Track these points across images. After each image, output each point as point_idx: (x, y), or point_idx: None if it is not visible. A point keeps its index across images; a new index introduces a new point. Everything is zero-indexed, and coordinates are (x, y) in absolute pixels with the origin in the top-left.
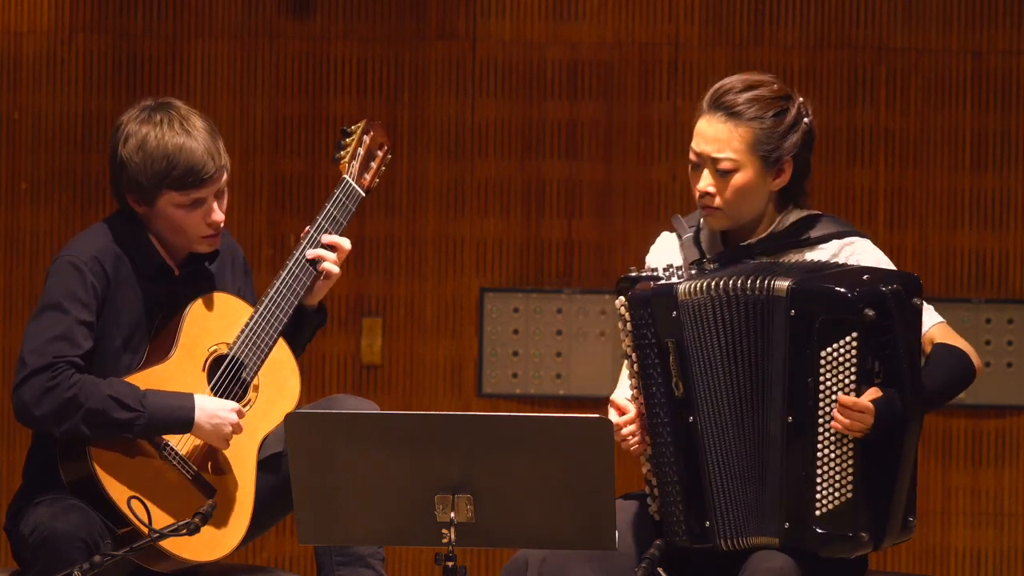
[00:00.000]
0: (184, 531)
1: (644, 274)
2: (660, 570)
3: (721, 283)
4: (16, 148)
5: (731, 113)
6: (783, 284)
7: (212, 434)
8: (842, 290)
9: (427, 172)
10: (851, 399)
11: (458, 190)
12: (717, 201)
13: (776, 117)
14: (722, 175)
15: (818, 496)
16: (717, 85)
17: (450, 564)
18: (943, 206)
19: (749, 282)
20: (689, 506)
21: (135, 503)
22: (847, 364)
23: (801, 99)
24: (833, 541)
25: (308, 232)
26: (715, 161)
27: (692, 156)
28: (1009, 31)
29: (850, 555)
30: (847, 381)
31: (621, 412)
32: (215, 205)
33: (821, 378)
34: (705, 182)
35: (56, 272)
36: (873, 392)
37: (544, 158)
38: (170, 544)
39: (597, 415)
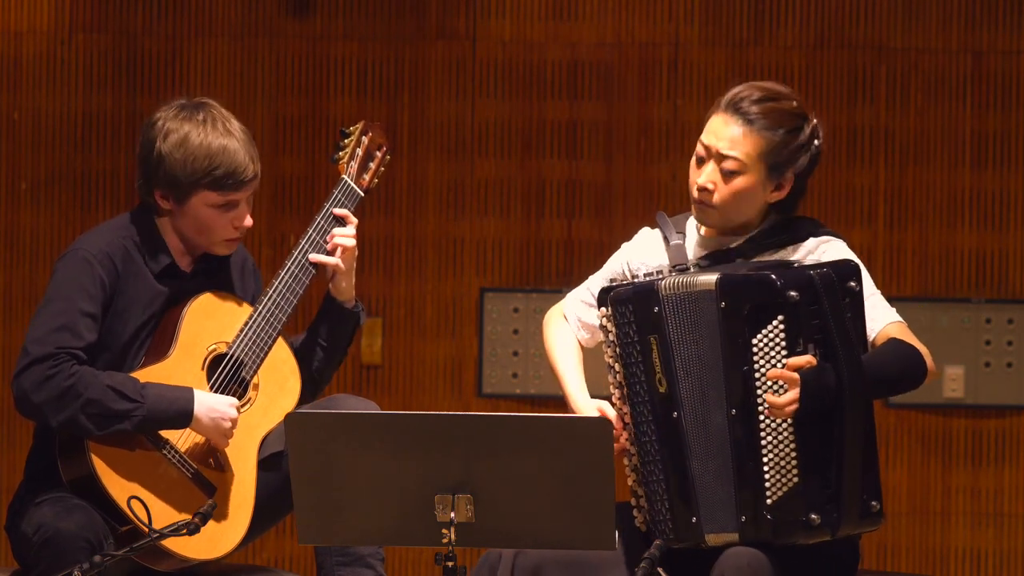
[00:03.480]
0: (184, 531)
1: (624, 282)
2: (660, 570)
3: (688, 279)
4: (16, 148)
5: (748, 119)
6: (711, 278)
7: (211, 429)
8: (767, 276)
9: (427, 172)
10: (775, 371)
11: (458, 190)
12: (715, 198)
13: (790, 133)
14: (725, 175)
15: (767, 485)
16: (738, 89)
17: (450, 564)
18: (943, 206)
19: (686, 279)
20: (675, 503)
21: (135, 502)
22: (777, 348)
23: (815, 121)
24: (785, 528)
25: (307, 233)
26: (721, 158)
27: (700, 149)
28: (1009, 31)
29: (805, 541)
30: (779, 366)
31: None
32: (246, 211)
33: (755, 366)
34: (706, 177)
35: (65, 264)
36: (801, 360)
37: (544, 158)
38: (170, 542)
39: (597, 415)
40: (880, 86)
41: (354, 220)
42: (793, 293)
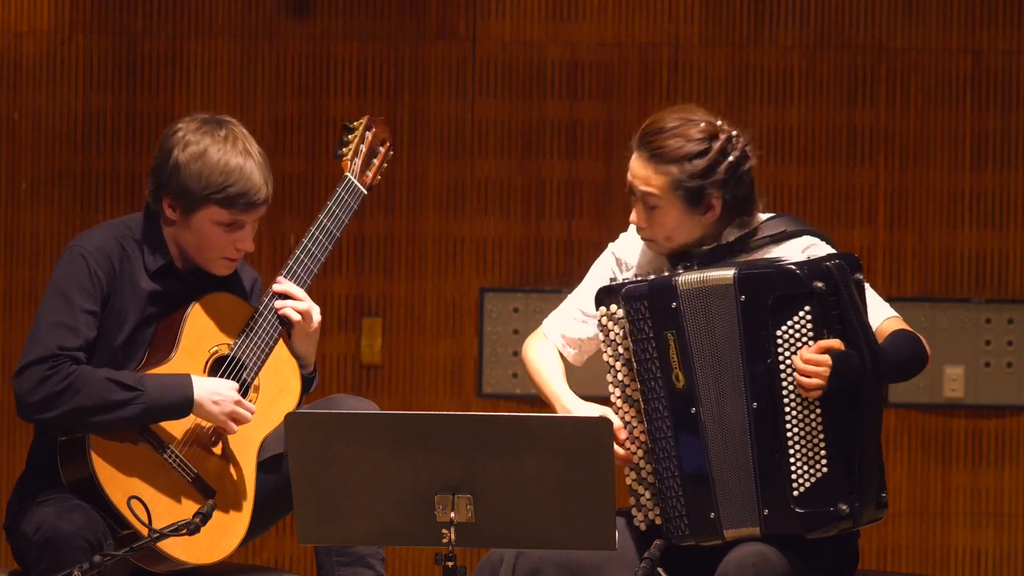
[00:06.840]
0: (184, 531)
1: (621, 281)
2: (660, 570)
3: (705, 275)
4: (16, 148)
5: (652, 154)
6: (727, 273)
7: (215, 413)
8: (790, 268)
9: (427, 172)
10: (809, 355)
11: (458, 190)
12: (648, 233)
13: (696, 159)
14: (648, 209)
15: (794, 477)
16: (648, 121)
17: (450, 564)
18: (943, 206)
19: (702, 275)
20: (692, 499)
21: (135, 503)
22: (804, 339)
23: (734, 133)
24: (813, 519)
25: (311, 232)
26: (643, 195)
27: (629, 188)
28: (1009, 31)
29: (832, 531)
30: None
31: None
32: (250, 233)
33: (780, 357)
34: (636, 215)
35: (64, 261)
36: (833, 342)
37: (544, 158)
38: (169, 547)
39: (597, 415)
40: (880, 86)
41: (303, 305)
42: (819, 284)
